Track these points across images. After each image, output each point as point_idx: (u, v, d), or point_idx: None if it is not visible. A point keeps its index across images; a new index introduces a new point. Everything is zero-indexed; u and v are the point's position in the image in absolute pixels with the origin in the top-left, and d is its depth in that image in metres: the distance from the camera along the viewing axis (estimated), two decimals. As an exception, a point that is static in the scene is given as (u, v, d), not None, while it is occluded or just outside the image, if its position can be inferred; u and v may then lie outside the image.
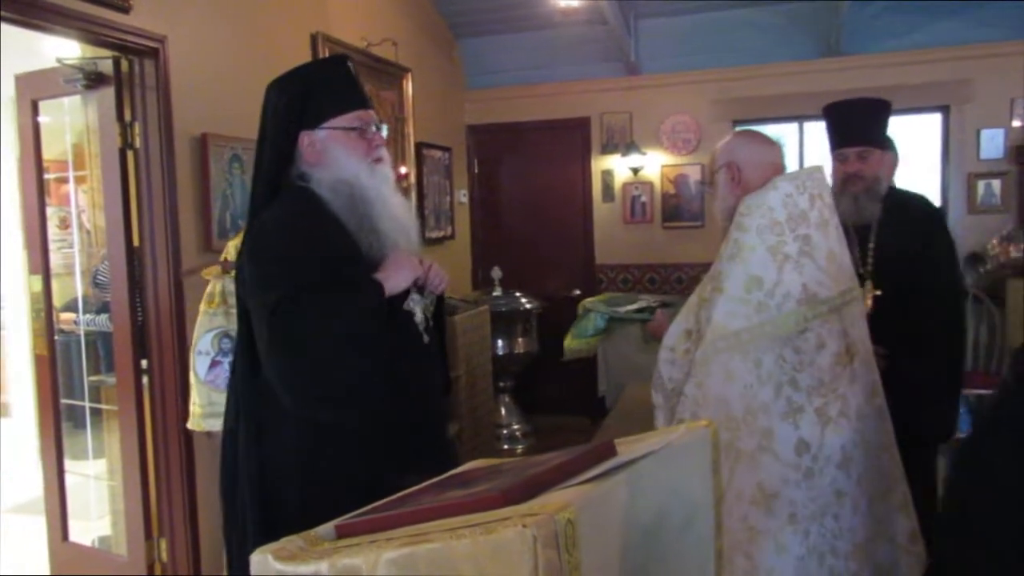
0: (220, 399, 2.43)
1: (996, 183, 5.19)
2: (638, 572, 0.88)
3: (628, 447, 1.02)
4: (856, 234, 2.66)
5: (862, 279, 2.61)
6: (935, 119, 5.41)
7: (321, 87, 1.90)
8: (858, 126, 2.70)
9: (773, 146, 2.25)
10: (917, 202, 2.89)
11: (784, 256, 1.87)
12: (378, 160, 1.92)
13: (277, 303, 1.67)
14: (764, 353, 1.82)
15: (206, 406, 2.69)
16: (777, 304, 1.84)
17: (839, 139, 2.71)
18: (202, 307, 2.77)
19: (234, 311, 2.22)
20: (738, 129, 5.87)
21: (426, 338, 1.91)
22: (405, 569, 0.84)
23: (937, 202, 4.64)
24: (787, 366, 1.82)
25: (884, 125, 2.75)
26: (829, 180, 2.27)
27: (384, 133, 1.98)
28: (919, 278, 2.56)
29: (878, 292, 2.63)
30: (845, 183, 2.66)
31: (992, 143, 5.17)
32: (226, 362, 2.57)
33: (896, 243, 2.63)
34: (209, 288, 2.79)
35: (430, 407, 1.95)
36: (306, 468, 1.76)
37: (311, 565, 0.93)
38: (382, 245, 1.84)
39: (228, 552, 1.94)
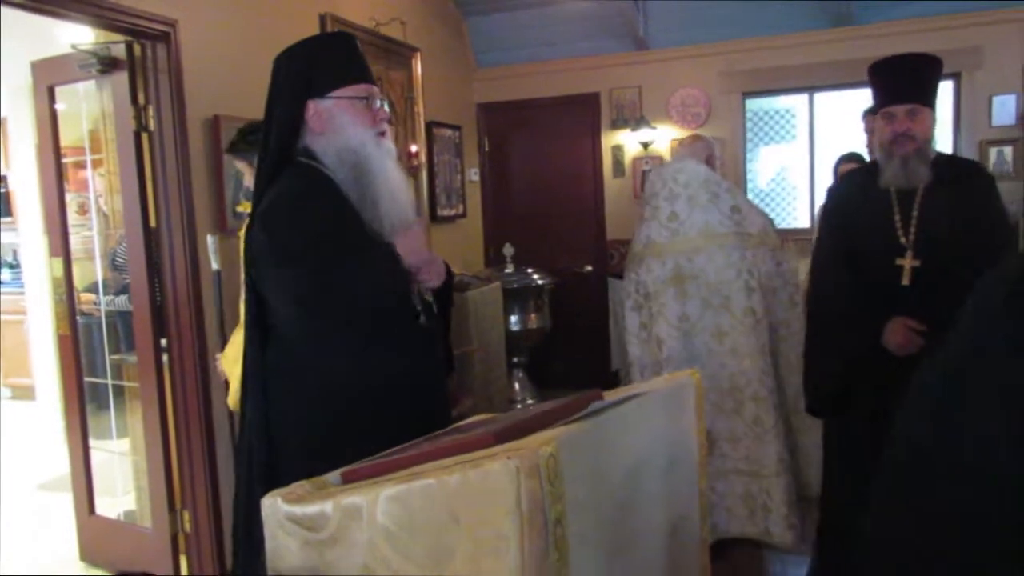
0: None
1: (1008, 150, 5.15)
2: (622, 506, 0.94)
3: (616, 395, 1.07)
4: (899, 201, 2.53)
5: (902, 249, 2.48)
6: (946, 86, 5.37)
7: (328, 58, 1.94)
8: (909, 82, 2.52)
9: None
10: (969, 167, 2.73)
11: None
12: (382, 133, 1.97)
13: (308, 279, 1.75)
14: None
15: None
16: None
17: (888, 96, 2.52)
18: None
19: None
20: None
21: (423, 319, 1.94)
22: (402, 504, 0.91)
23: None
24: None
25: (936, 84, 2.59)
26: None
27: (387, 109, 2.03)
28: (971, 252, 2.30)
29: (916, 263, 2.45)
30: (893, 144, 2.48)
31: (1004, 109, 5.14)
32: None
33: (945, 211, 2.44)
34: None
35: (426, 384, 1.97)
36: (311, 443, 1.83)
37: (317, 505, 0.99)
38: (380, 219, 1.89)
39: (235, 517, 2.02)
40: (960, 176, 2.53)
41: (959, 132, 5.32)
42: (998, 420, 0.64)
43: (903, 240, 2.49)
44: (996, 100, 5.15)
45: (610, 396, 1.07)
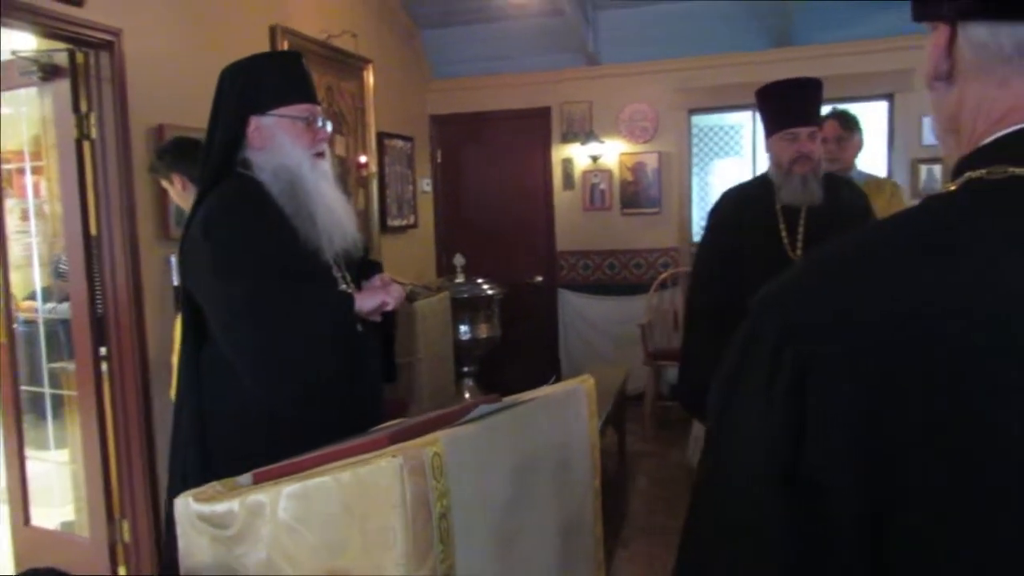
0: None
1: (938, 168, 5.38)
2: (510, 503, 1.01)
3: (509, 400, 1.14)
4: (784, 217, 2.71)
5: (791, 263, 2.70)
6: (880, 107, 5.59)
7: (274, 76, 2.00)
8: (811, 105, 2.66)
9: None
10: (848, 185, 2.98)
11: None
12: (319, 155, 2.02)
13: (248, 291, 1.78)
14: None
15: None
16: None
17: (791, 118, 2.63)
18: None
19: None
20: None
21: (360, 327, 1.99)
22: (300, 501, 0.96)
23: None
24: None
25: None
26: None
27: (328, 129, 2.08)
28: None
29: None
30: (794, 163, 2.60)
31: (933, 130, 5.35)
32: None
33: (829, 227, 2.56)
34: None
35: (360, 389, 2.02)
36: (245, 440, 1.87)
37: (225, 504, 1.04)
38: (318, 236, 1.95)
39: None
40: (839, 194, 2.69)
41: (892, 151, 5.54)
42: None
43: (791, 254, 2.63)
44: (926, 121, 5.36)
45: (506, 401, 1.14)
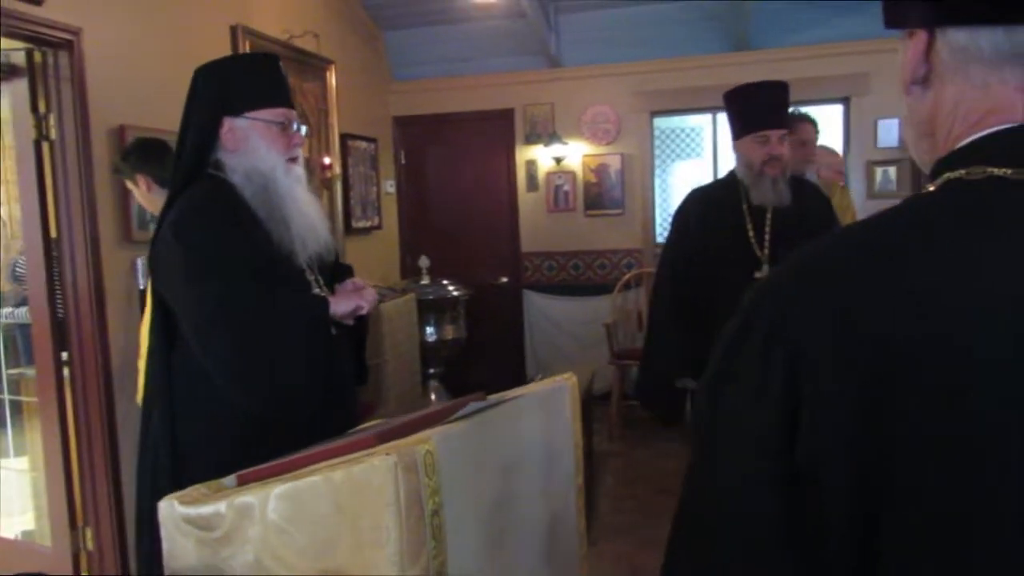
0: None
1: (892, 170, 5.52)
2: (500, 500, 1.03)
3: (498, 398, 1.16)
4: (751, 217, 2.77)
5: (758, 262, 2.76)
6: (836, 110, 5.72)
7: (250, 78, 1.98)
8: (782, 108, 2.73)
9: None
10: (811, 186, 3.05)
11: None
12: (293, 159, 2.01)
13: (221, 294, 1.76)
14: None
15: None
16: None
17: (763, 120, 2.68)
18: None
19: None
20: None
21: (334, 330, 1.99)
22: (290, 501, 0.97)
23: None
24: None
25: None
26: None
27: (303, 133, 2.07)
28: None
29: None
30: (765, 165, 2.66)
31: (888, 133, 5.50)
32: None
33: (795, 227, 2.64)
34: None
35: (336, 392, 2.02)
36: (216, 443, 1.85)
37: (211, 506, 1.04)
38: (291, 240, 1.94)
39: (139, 523, 2.02)
40: (803, 196, 2.77)
41: (848, 153, 5.67)
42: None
43: (759, 254, 2.70)
44: (881, 124, 5.51)
45: (492, 399, 1.15)
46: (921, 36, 0.73)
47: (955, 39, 0.71)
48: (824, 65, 5.54)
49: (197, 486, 1.12)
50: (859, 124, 5.61)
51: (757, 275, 2.68)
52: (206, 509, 1.04)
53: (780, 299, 0.70)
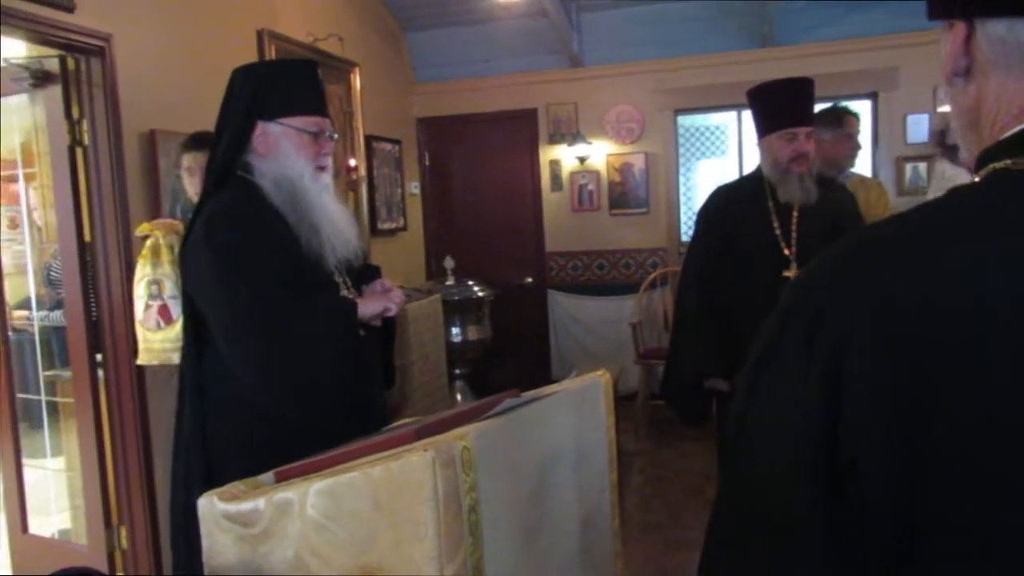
0: (152, 336, 2.88)
1: (922, 166, 5.45)
2: (535, 495, 1.03)
3: (531, 395, 1.16)
4: (777, 215, 2.75)
5: (787, 261, 2.73)
6: (865, 105, 5.66)
7: (287, 83, 1.99)
8: (808, 106, 2.70)
9: None
10: (837, 185, 3.02)
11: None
12: (322, 168, 2.03)
13: (251, 298, 1.78)
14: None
15: (142, 342, 2.95)
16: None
17: (790, 118, 2.66)
18: (145, 257, 2.97)
19: (162, 262, 2.68)
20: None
21: (362, 331, 2.01)
22: (329, 497, 0.98)
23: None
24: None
25: None
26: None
27: (334, 139, 2.09)
28: None
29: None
30: (792, 162, 2.64)
31: (918, 128, 5.44)
32: (155, 305, 2.91)
33: (823, 225, 2.62)
34: (158, 241, 2.92)
35: (364, 395, 2.04)
36: (246, 445, 1.87)
37: (250, 502, 1.06)
38: (321, 244, 1.95)
39: (173, 525, 2.05)
40: (829, 194, 2.75)
41: (877, 149, 5.61)
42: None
43: (786, 252, 2.67)
44: (911, 119, 5.44)
45: (527, 396, 1.16)
46: (960, 28, 0.73)
47: (994, 31, 0.70)
48: (851, 60, 5.49)
49: (236, 483, 1.13)
50: (888, 119, 5.55)
51: (786, 274, 2.66)
52: (245, 505, 1.05)
53: (821, 291, 0.70)
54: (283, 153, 1.94)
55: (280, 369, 1.82)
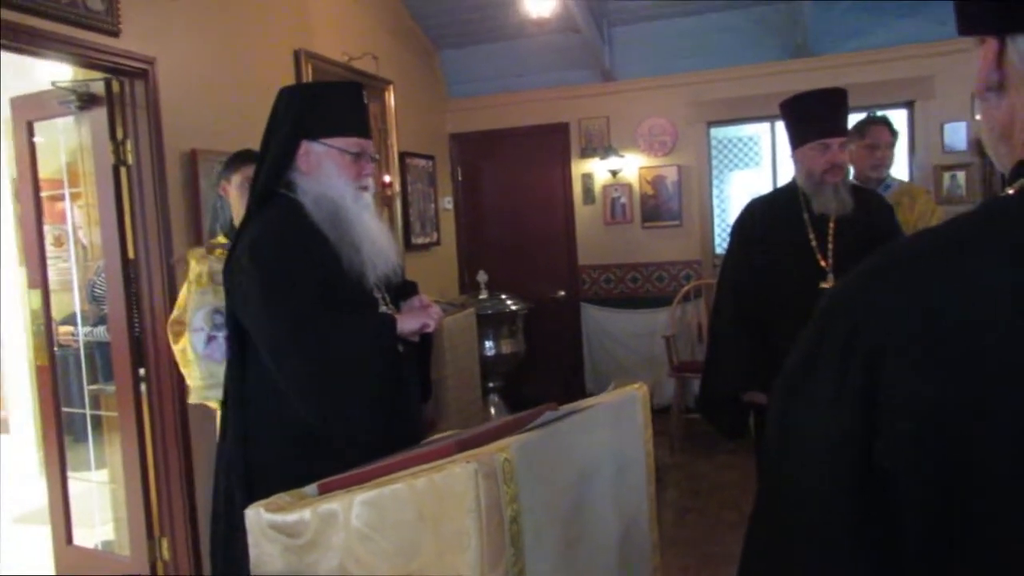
0: (219, 370, 2.52)
1: (961, 175, 5.37)
2: (574, 507, 1.04)
3: (569, 407, 1.18)
4: (813, 227, 2.75)
5: (824, 272, 2.71)
6: (901, 114, 5.60)
7: (331, 105, 2.03)
8: (842, 116, 2.69)
9: None
10: (874, 195, 3.00)
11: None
12: (363, 188, 2.07)
13: (296, 317, 1.82)
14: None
15: (207, 378, 2.74)
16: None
17: (824, 128, 2.65)
18: (192, 288, 2.80)
19: (220, 288, 2.38)
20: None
21: (401, 347, 2.04)
22: (374, 508, 1.00)
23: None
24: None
25: None
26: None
27: (375, 162, 2.12)
28: None
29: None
30: (826, 173, 2.63)
31: (955, 136, 5.36)
32: (220, 336, 2.66)
33: (859, 236, 2.61)
34: (198, 269, 2.81)
35: (403, 408, 2.06)
36: (287, 458, 1.90)
37: (296, 513, 1.08)
38: (362, 262, 1.99)
39: (213, 535, 2.09)
40: (865, 204, 2.72)
41: (914, 158, 5.54)
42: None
43: (823, 264, 2.65)
44: (948, 127, 5.37)
45: (565, 409, 1.17)
46: (992, 43, 0.73)
47: None
48: (886, 69, 5.44)
49: (281, 494, 1.16)
50: (924, 128, 5.48)
51: (823, 286, 2.64)
52: (291, 516, 1.08)
53: (858, 302, 0.71)
54: (325, 173, 1.98)
55: (326, 385, 1.85)
